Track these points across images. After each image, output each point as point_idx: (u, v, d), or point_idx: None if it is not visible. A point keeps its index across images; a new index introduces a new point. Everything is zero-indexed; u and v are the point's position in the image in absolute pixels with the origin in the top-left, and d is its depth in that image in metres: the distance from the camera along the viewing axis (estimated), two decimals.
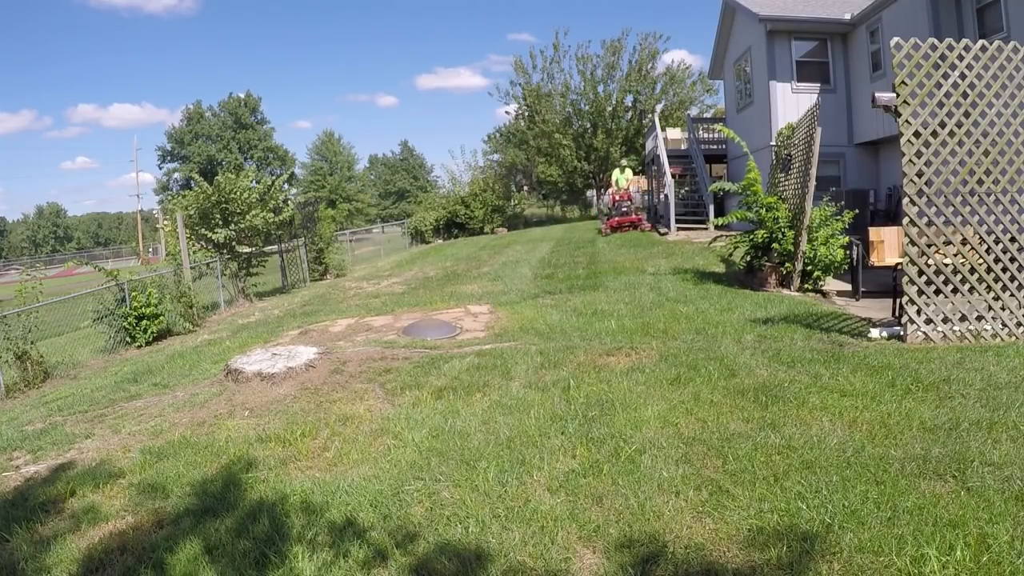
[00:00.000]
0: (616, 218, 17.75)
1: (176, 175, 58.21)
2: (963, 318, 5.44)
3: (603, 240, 16.49)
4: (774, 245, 8.41)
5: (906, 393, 4.11)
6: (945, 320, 5.43)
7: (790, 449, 3.38)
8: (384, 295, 10.92)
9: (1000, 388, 4.08)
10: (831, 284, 8.55)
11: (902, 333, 5.51)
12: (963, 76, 5.33)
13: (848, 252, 8.22)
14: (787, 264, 8.35)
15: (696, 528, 2.75)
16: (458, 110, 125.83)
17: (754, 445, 3.46)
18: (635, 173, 35.98)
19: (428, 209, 31.05)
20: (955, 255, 5.45)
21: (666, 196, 17.02)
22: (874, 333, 5.66)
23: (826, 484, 2.98)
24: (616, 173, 18.79)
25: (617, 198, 18.15)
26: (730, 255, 9.40)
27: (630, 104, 28.89)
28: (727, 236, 10.33)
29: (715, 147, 19.88)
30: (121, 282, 9.49)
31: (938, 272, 5.43)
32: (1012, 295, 5.43)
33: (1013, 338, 5.37)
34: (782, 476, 3.10)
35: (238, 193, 12.31)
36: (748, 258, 8.80)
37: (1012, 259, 5.42)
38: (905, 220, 5.39)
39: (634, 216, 17.75)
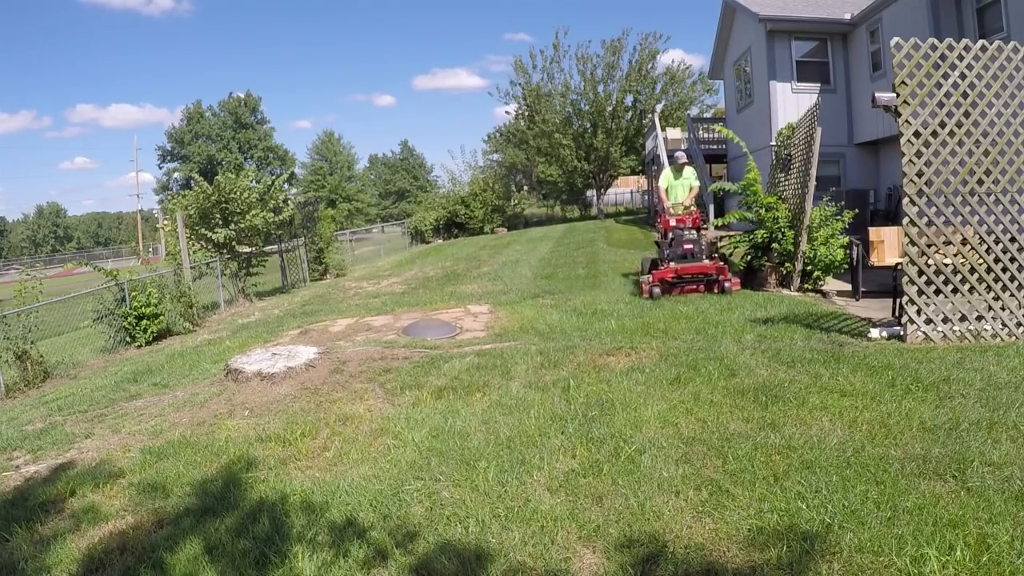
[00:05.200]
0: (674, 265, 8.42)
1: (176, 175, 58.17)
2: (963, 318, 5.44)
3: (603, 241, 16.39)
4: (774, 245, 8.41)
5: (906, 393, 4.11)
6: (945, 320, 5.42)
7: (790, 449, 3.38)
8: (384, 295, 10.92)
9: (1000, 388, 4.08)
10: (831, 284, 8.55)
11: (902, 333, 5.50)
12: (963, 76, 5.33)
13: (848, 252, 8.22)
14: (787, 264, 8.35)
15: (696, 528, 2.75)
16: (457, 110, 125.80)
17: (754, 445, 3.46)
18: (635, 173, 35.17)
19: (428, 209, 31.08)
20: (955, 255, 5.45)
21: None
22: (874, 333, 5.66)
23: (826, 484, 2.98)
24: (668, 176, 9.58)
25: (673, 223, 8.88)
26: (730, 255, 9.40)
27: (630, 104, 28.83)
28: (728, 236, 10.33)
29: (715, 147, 19.88)
30: (121, 282, 9.48)
31: (938, 272, 5.43)
32: (1012, 295, 5.43)
33: (1013, 338, 5.37)
34: (782, 476, 3.10)
35: (238, 193, 12.32)
36: (748, 258, 8.80)
37: (1012, 259, 5.41)
38: (905, 220, 5.39)
39: (707, 263, 8.53)
